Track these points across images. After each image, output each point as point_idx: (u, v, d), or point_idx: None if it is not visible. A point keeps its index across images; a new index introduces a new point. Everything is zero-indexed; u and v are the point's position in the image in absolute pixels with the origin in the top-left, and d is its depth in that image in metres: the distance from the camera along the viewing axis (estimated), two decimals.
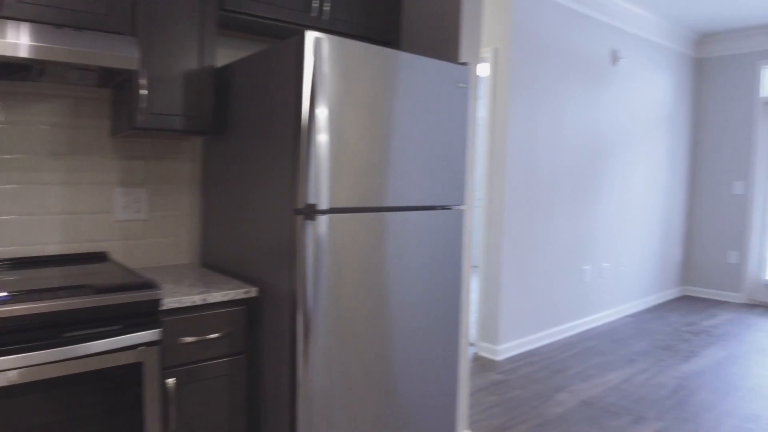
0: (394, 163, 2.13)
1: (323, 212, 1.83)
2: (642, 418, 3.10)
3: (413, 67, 2.17)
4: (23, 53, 1.63)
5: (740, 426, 3.02)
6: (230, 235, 2.25)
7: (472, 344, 4.31)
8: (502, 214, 4.06)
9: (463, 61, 2.63)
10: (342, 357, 1.97)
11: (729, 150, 5.89)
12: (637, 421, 3.07)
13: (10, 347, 1.52)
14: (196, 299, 1.85)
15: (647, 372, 3.84)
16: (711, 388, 3.56)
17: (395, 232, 2.16)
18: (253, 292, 2.00)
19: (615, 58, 4.88)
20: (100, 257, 2.25)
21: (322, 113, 1.80)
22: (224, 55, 2.55)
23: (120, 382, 1.70)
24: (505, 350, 4.14)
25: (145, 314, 1.74)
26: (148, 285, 1.76)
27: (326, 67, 1.82)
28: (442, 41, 2.71)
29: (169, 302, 1.79)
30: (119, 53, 1.78)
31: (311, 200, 1.82)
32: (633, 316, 5.36)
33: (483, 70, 4.47)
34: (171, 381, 1.82)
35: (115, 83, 2.16)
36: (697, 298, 6.12)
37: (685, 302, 5.91)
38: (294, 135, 1.83)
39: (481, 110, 5.05)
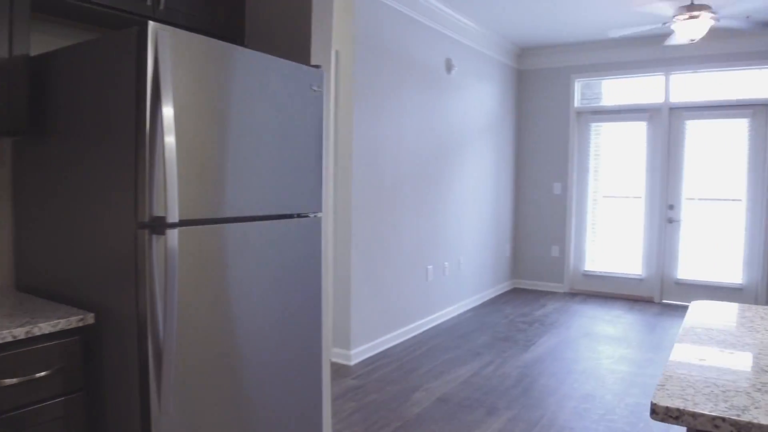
0: (247, 170, 1.99)
1: (173, 225, 1.64)
2: (495, 409, 3.28)
3: (265, 68, 2.05)
4: None
5: (578, 406, 3.32)
6: (56, 252, 1.93)
7: None
8: (348, 219, 4.06)
9: (315, 63, 2.56)
10: (199, 383, 1.79)
11: (548, 154, 6.54)
12: (491, 413, 3.23)
13: None
14: (18, 333, 1.55)
15: (493, 364, 4.09)
16: (549, 374, 3.89)
17: (251, 244, 2.02)
18: (89, 318, 1.74)
19: (449, 66, 5.15)
20: None
21: (167, 113, 1.61)
22: (41, 43, 2.21)
23: None
24: (357, 354, 4.14)
25: None
26: None
27: (170, 63, 1.64)
28: (292, 42, 2.62)
29: None
30: None
31: (158, 212, 1.62)
32: (473, 310, 5.69)
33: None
34: None
35: None
36: (527, 290, 6.70)
37: (516, 294, 6.43)
38: (135, 138, 1.62)
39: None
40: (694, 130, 5.82)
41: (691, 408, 1.06)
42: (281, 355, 2.20)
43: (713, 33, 5.28)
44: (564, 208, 6.49)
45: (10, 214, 2.16)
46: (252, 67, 1.98)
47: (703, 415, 1.04)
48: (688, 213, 5.91)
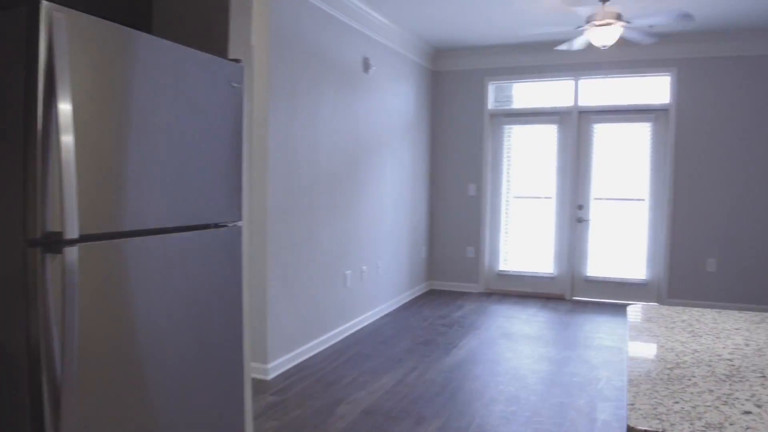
0: (159, 176, 1.77)
1: (71, 242, 1.41)
2: (423, 419, 3.21)
3: (178, 60, 1.84)
4: None
5: (505, 410, 3.32)
6: None
7: None
8: (264, 224, 3.85)
9: (234, 57, 2.36)
10: (107, 422, 1.56)
11: (463, 156, 6.61)
12: (419, 422, 3.16)
13: None
14: None
15: (416, 370, 4.03)
16: (473, 377, 3.89)
17: (163, 259, 1.80)
18: None
19: (367, 65, 5.05)
20: None
21: (64, 110, 1.38)
22: None
23: None
24: (275, 368, 3.95)
25: None
26: None
27: (68, 51, 1.41)
28: (207, 34, 2.40)
29: None
30: None
31: (53, 227, 1.39)
32: (391, 314, 5.63)
33: None
34: None
35: None
36: (443, 291, 6.74)
37: (433, 296, 6.45)
38: (25, 139, 1.37)
39: None
40: (602, 133, 6.10)
41: (669, 429, 1.00)
42: (200, 379, 2.00)
43: (619, 41, 5.53)
44: (479, 209, 6.59)
45: None
46: (163, 58, 1.76)
47: None
48: (596, 213, 6.18)
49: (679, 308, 1.94)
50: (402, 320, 5.41)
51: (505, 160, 6.51)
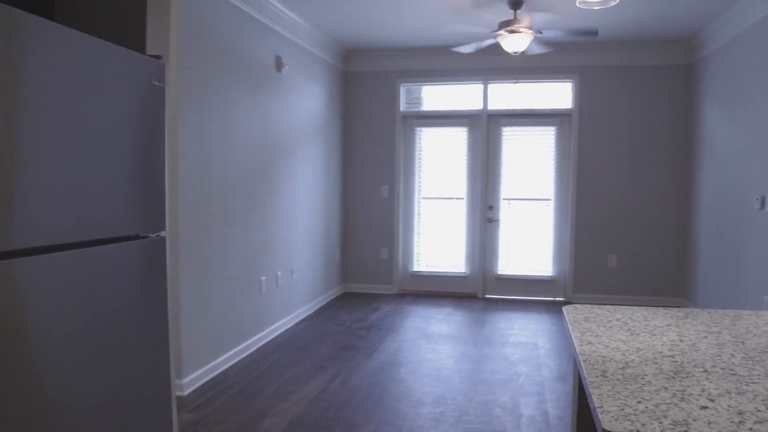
0: (62, 184, 1.61)
1: None
2: (352, 427, 3.18)
3: (87, 52, 1.68)
4: None
5: (433, 411, 3.36)
6: None
7: None
8: (175, 232, 3.65)
9: (152, 53, 2.21)
10: None
11: (376, 157, 6.65)
12: (350, 431, 3.13)
13: None
14: None
15: (340, 377, 3.99)
16: (398, 380, 3.90)
17: (69, 280, 1.65)
18: None
19: (280, 64, 4.94)
20: None
21: None
22: None
23: None
24: (191, 383, 3.76)
25: None
26: None
27: None
28: (119, 25, 2.24)
29: None
30: None
31: None
32: (307, 320, 5.55)
33: None
34: None
35: None
36: (357, 293, 6.74)
37: (348, 299, 6.43)
38: None
39: None
40: (510, 135, 6.35)
41: (642, 430, 1.04)
42: (122, 404, 1.86)
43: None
44: (392, 211, 6.65)
45: None
46: (68, 49, 1.60)
47: None
48: (505, 213, 6.43)
49: (611, 307, 2.04)
50: (319, 325, 5.34)
51: (417, 162, 6.62)
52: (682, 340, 1.63)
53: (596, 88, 6.11)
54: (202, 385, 3.82)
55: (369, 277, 6.79)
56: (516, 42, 4.50)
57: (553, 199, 6.30)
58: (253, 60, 4.51)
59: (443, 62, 6.34)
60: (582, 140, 6.16)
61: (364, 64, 6.56)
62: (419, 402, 3.52)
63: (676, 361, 1.44)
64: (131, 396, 1.91)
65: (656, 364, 1.42)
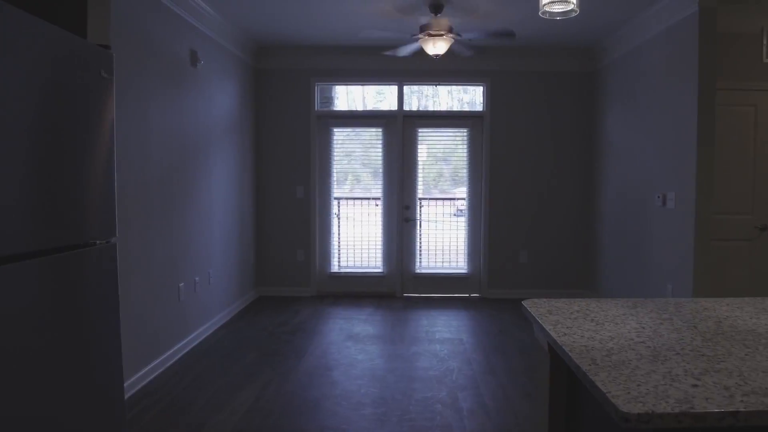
0: (12, 188, 1.50)
1: None
2: None
3: (36, 37, 1.55)
4: None
5: (376, 412, 3.40)
6: None
7: None
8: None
9: (95, 41, 2.07)
10: None
11: (290, 157, 6.57)
12: None
13: None
14: None
15: (273, 383, 3.91)
16: (333, 383, 3.89)
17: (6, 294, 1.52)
18: None
19: (195, 59, 4.76)
20: None
21: None
22: None
23: None
24: None
25: None
26: None
27: None
28: (58, 8, 2.07)
29: None
30: None
31: None
32: (226, 326, 5.39)
33: None
34: None
35: None
36: (274, 297, 6.62)
37: (265, 303, 6.31)
38: None
39: None
40: (425, 136, 6.52)
41: (655, 409, 1.14)
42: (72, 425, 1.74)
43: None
44: (308, 212, 6.60)
45: None
46: (12, 32, 1.46)
47: (668, 414, 1.13)
48: (421, 212, 6.59)
49: (566, 300, 2.18)
50: (240, 331, 5.20)
51: (333, 162, 6.62)
52: (643, 328, 1.78)
53: (506, 92, 6.43)
54: (126, 401, 3.60)
55: (285, 280, 6.70)
56: (437, 45, 4.64)
57: (466, 199, 6.55)
58: (168, 53, 4.32)
59: (359, 62, 6.39)
60: (493, 142, 6.46)
61: (278, 61, 6.46)
62: (359, 404, 3.54)
63: (649, 347, 1.58)
64: (83, 409, 1.78)
65: (634, 350, 1.55)
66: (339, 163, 6.63)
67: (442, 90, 6.56)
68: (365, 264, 6.69)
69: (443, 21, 4.59)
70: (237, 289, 6.00)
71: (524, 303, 2.14)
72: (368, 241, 6.66)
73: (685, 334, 1.72)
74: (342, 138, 6.61)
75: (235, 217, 5.89)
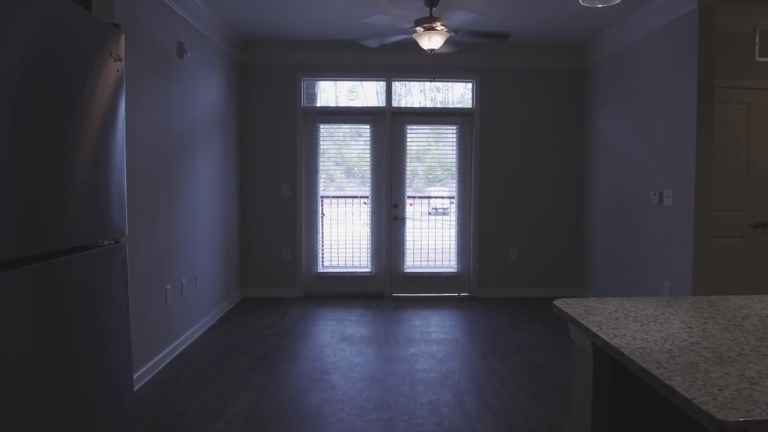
0: (21, 188, 1.36)
1: None
2: None
3: (40, 9, 1.40)
4: None
5: (381, 417, 3.30)
6: None
7: None
8: None
9: (107, 19, 1.93)
10: None
11: (276, 154, 6.42)
12: None
13: None
14: None
15: (269, 389, 3.78)
16: (333, 388, 3.78)
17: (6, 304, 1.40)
18: None
19: (182, 51, 4.59)
20: None
21: None
22: None
23: None
24: None
25: None
26: None
27: None
28: None
29: None
30: None
31: None
32: (213, 329, 5.24)
33: None
34: None
35: None
36: (260, 298, 6.47)
37: (251, 305, 6.16)
38: None
39: None
40: (414, 133, 6.45)
41: (751, 416, 1.08)
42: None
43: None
44: (294, 210, 6.47)
45: None
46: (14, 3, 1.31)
47: (766, 421, 1.07)
48: (410, 210, 6.52)
49: (598, 299, 2.12)
50: (228, 335, 5.05)
51: (320, 159, 6.49)
52: (691, 328, 1.73)
53: (496, 89, 6.40)
54: None
55: (271, 281, 6.55)
56: (432, 40, 4.56)
57: (456, 197, 6.49)
58: (154, 43, 4.14)
59: (347, 57, 6.28)
60: (483, 139, 6.42)
61: (263, 55, 6.31)
62: (363, 409, 3.45)
63: (707, 348, 1.52)
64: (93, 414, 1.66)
65: (694, 351, 1.49)
66: (326, 161, 6.52)
67: (432, 86, 6.50)
68: (353, 263, 6.58)
69: (440, 16, 4.52)
70: (223, 291, 5.84)
71: (557, 303, 2.07)
72: (356, 240, 6.56)
73: (736, 333, 1.67)
74: (329, 134, 6.49)
75: (220, 215, 5.73)
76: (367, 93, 6.58)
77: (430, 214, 6.54)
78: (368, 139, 6.44)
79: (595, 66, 6.04)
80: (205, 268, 5.27)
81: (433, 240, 6.56)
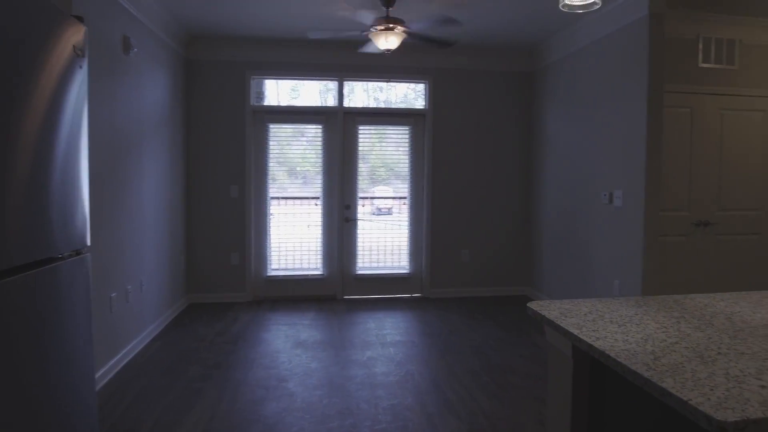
0: None
1: None
2: None
3: None
4: None
5: (344, 424, 3.26)
6: None
7: None
8: None
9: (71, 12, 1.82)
10: None
11: (224, 155, 6.26)
12: None
13: None
14: None
15: (224, 400, 3.68)
16: (290, 396, 3.71)
17: None
18: None
19: (127, 46, 4.41)
20: None
21: None
22: None
23: None
24: None
25: None
26: None
27: None
28: None
29: None
30: None
31: None
32: (160, 338, 5.05)
33: None
34: None
35: None
36: (207, 304, 6.29)
37: (198, 311, 5.98)
38: None
39: None
40: (366, 134, 6.43)
41: (748, 415, 1.11)
42: None
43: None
44: (243, 212, 6.33)
45: None
46: None
47: (762, 419, 1.11)
48: (362, 211, 6.49)
49: (571, 301, 2.16)
50: (176, 343, 4.89)
51: (270, 160, 6.38)
52: (666, 328, 1.78)
53: (449, 90, 6.46)
54: None
55: (219, 285, 6.38)
56: (389, 40, 4.56)
57: (409, 197, 6.52)
58: (102, 38, 3.96)
59: (298, 56, 6.20)
60: (436, 140, 6.47)
61: (211, 52, 6.14)
62: (324, 416, 3.40)
63: (687, 347, 1.57)
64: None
65: (676, 352, 1.54)
66: (276, 161, 6.40)
67: (375, 86, 6.50)
68: (304, 266, 6.50)
69: (397, 16, 4.52)
70: (169, 297, 5.64)
71: (531, 306, 2.10)
72: (307, 241, 6.48)
73: (709, 332, 1.73)
74: (279, 135, 6.38)
75: (166, 219, 5.54)
76: (310, 92, 6.49)
77: (374, 213, 6.52)
78: (320, 139, 6.37)
79: (546, 68, 6.19)
80: (150, 274, 5.08)
81: (384, 241, 6.56)
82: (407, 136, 6.47)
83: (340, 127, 6.33)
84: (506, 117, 6.61)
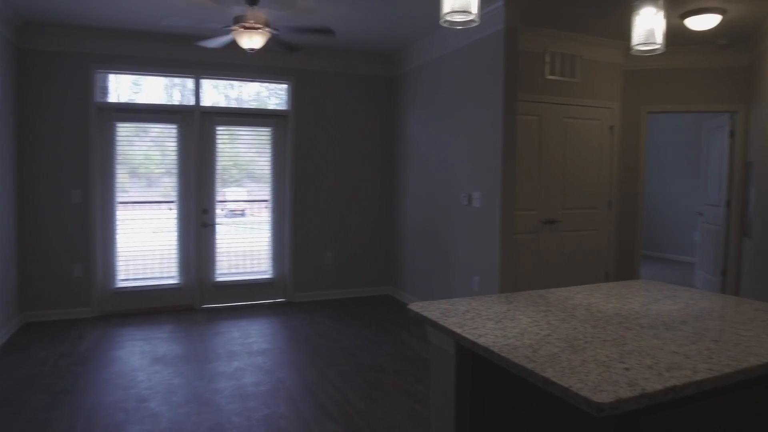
0: None
1: None
2: None
3: None
4: None
5: None
6: None
7: None
8: None
9: None
10: None
11: (64, 156, 5.76)
12: None
13: None
14: None
15: (77, 428, 3.40)
16: (157, 417, 3.52)
17: None
18: None
19: None
20: None
21: None
22: None
23: None
24: None
25: None
26: None
27: None
28: None
29: None
30: None
31: None
32: None
33: None
34: None
35: None
36: (46, 322, 5.74)
37: (37, 331, 5.44)
38: None
39: None
40: (226, 135, 6.25)
41: (620, 395, 1.29)
42: None
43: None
44: (87, 219, 5.86)
45: None
46: None
47: (631, 398, 1.29)
48: (222, 216, 6.31)
49: (445, 300, 2.30)
50: (13, 369, 4.42)
51: (117, 162, 5.97)
52: (537, 322, 1.97)
53: (311, 92, 6.49)
54: None
55: (59, 301, 5.86)
56: (254, 39, 4.49)
57: (270, 200, 6.45)
58: None
59: (151, 50, 5.86)
60: (298, 142, 6.47)
61: (49, 41, 5.59)
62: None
63: (559, 338, 1.76)
64: None
65: (550, 343, 1.71)
66: (125, 163, 6.00)
67: (227, 84, 6.35)
68: (157, 275, 6.18)
69: (260, 13, 4.46)
70: None
71: (412, 307, 2.21)
72: (160, 249, 6.16)
73: (574, 323, 1.95)
74: (128, 135, 5.99)
75: None
76: (154, 87, 6.15)
77: (226, 216, 6.37)
78: (175, 140, 6.09)
79: (407, 73, 6.44)
80: None
81: (245, 245, 6.44)
82: (269, 138, 6.40)
83: (196, 128, 6.10)
84: (370, 120, 6.79)
